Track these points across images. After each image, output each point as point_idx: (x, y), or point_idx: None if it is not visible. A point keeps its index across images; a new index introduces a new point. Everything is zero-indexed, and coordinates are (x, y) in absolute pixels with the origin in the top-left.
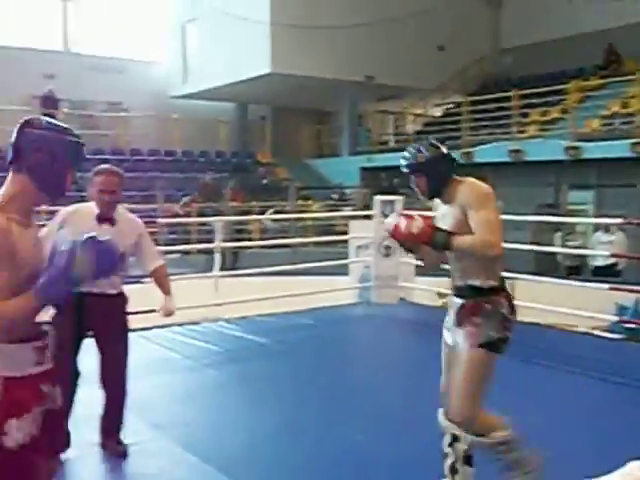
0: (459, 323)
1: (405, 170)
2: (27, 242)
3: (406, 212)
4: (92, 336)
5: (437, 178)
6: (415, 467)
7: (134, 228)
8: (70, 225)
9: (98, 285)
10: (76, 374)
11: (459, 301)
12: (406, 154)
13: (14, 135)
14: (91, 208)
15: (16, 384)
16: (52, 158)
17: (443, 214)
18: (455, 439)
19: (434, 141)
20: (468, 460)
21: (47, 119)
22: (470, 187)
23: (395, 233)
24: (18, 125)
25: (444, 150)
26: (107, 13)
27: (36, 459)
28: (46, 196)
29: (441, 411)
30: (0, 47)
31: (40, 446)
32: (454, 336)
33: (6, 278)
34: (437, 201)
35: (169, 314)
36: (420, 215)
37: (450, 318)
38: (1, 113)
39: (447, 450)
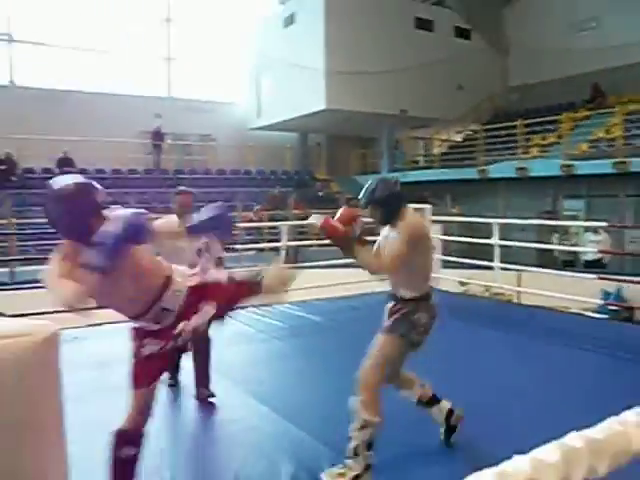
0: (387, 319)
1: (363, 202)
2: None
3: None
4: None
5: (389, 211)
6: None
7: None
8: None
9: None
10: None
11: (389, 304)
12: (365, 189)
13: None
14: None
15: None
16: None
17: (385, 235)
18: (364, 426)
19: (390, 179)
20: (369, 446)
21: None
22: (408, 225)
23: (323, 223)
24: None
25: (397, 188)
26: (199, 67)
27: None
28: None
29: (353, 398)
30: (121, 95)
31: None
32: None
33: None
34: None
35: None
36: (350, 217)
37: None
38: (122, 144)
39: (353, 434)
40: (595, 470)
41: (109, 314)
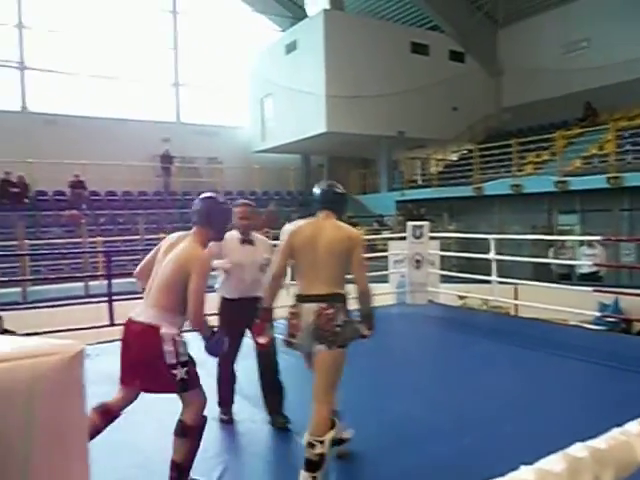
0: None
1: (316, 203)
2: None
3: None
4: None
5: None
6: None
7: (267, 247)
8: (223, 248)
9: (251, 290)
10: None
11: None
12: (316, 192)
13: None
14: (235, 234)
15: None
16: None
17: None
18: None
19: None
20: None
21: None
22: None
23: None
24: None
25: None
26: (206, 93)
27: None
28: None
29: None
30: (130, 120)
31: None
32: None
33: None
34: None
35: None
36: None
37: None
38: (132, 168)
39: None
40: None
41: (119, 330)
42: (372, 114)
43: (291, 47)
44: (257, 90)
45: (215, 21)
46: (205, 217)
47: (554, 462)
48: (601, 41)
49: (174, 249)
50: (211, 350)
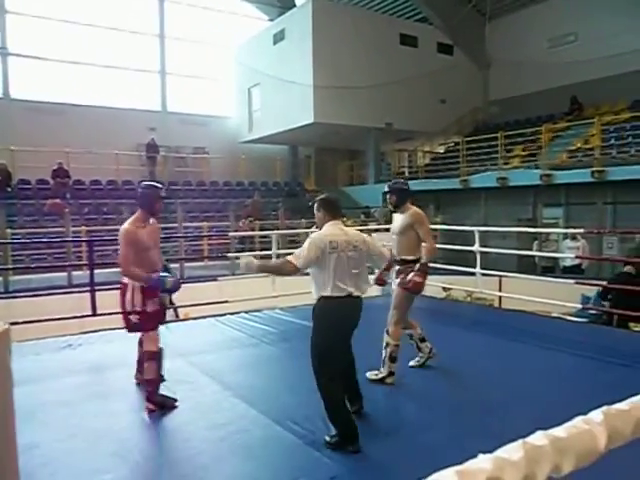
0: (396, 277)
1: (386, 189)
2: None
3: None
4: None
5: (400, 198)
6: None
7: None
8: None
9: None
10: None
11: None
12: (388, 184)
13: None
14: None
15: (146, 289)
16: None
17: (395, 218)
18: (387, 345)
19: (402, 182)
20: (393, 359)
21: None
22: (414, 211)
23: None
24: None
25: (405, 186)
26: (192, 82)
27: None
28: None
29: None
30: (116, 108)
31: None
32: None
33: (132, 253)
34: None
35: None
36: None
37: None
38: (118, 156)
39: (382, 351)
40: (560, 468)
41: (103, 321)
42: (360, 105)
43: (279, 37)
44: (244, 80)
45: (202, 9)
46: (138, 199)
47: (512, 450)
48: (588, 36)
49: None
50: (158, 285)
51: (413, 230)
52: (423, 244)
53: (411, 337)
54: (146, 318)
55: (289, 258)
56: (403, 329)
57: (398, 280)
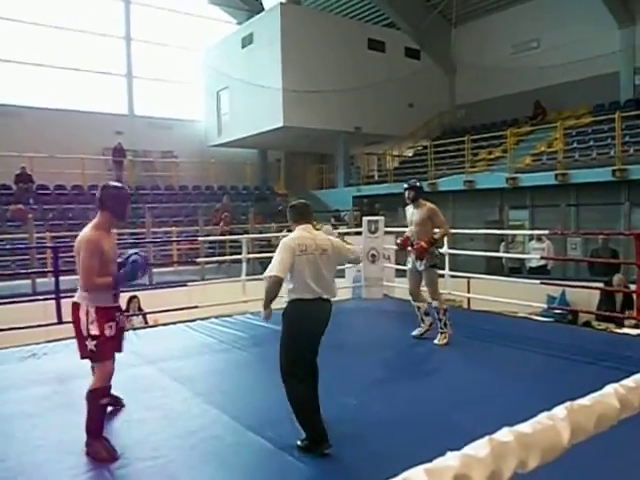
0: (421, 258)
1: (406, 186)
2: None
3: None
4: None
5: (417, 194)
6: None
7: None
8: None
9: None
10: None
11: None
12: (409, 182)
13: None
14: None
15: (105, 309)
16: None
17: (412, 212)
18: (445, 311)
19: (417, 180)
20: (427, 314)
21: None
22: (429, 207)
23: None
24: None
25: (419, 184)
26: (160, 85)
27: (115, 342)
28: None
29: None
30: (82, 112)
31: (116, 337)
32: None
33: (98, 264)
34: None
35: None
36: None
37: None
38: (84, 161)
39: (441, 317)
40: (525, 464)
41: (69, 329)
42: (329, 109)
43: (247, 40)
44: (213, 83)
45: (169, 11)
46: (106, 201)
47: (479, 447)
48: (550, 42)
49: None
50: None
51: (430, 221)
52: (436, 229)
53: (418, 309)
54: (104, 344)
55: (265, 275)
56: (414, 301)
57: (422, 263)
